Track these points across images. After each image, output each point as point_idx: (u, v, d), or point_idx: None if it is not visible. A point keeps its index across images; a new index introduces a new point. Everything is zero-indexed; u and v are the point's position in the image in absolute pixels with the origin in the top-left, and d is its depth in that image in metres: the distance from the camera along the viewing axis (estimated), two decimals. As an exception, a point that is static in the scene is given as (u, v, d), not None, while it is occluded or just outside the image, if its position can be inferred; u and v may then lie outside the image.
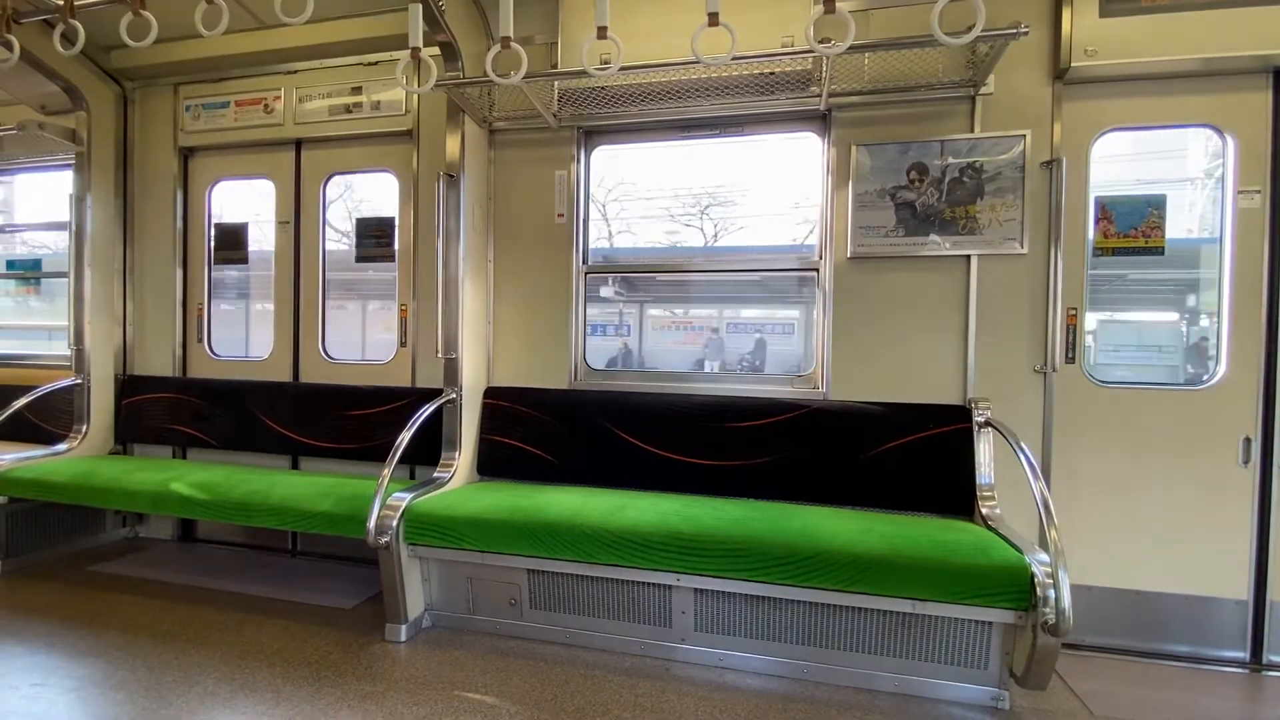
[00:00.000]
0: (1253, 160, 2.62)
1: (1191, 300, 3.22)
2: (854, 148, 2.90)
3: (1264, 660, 2.61)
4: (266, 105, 3.72)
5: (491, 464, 3.22)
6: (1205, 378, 2.71)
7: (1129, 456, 2.71)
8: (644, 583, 2.48)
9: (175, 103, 3.89)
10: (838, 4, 2.09)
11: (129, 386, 3.92)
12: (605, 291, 3.61)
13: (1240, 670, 2.59)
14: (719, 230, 3.42)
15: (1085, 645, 2.72)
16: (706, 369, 3.46)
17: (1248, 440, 2.62)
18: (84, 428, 3.75)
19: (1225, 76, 2.61)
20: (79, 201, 3.72)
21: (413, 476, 3.38)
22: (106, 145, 3.83)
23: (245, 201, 4.00)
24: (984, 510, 2.59)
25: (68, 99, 3.70)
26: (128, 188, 3.96)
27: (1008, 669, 2.19)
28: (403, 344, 3.56)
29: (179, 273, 3.93)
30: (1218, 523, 2.64)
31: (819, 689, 2.31)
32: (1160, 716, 2.22)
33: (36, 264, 4.50)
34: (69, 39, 2.52)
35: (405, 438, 2.74)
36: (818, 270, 2.99)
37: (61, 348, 4.04)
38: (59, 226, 4.43)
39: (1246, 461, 2.62)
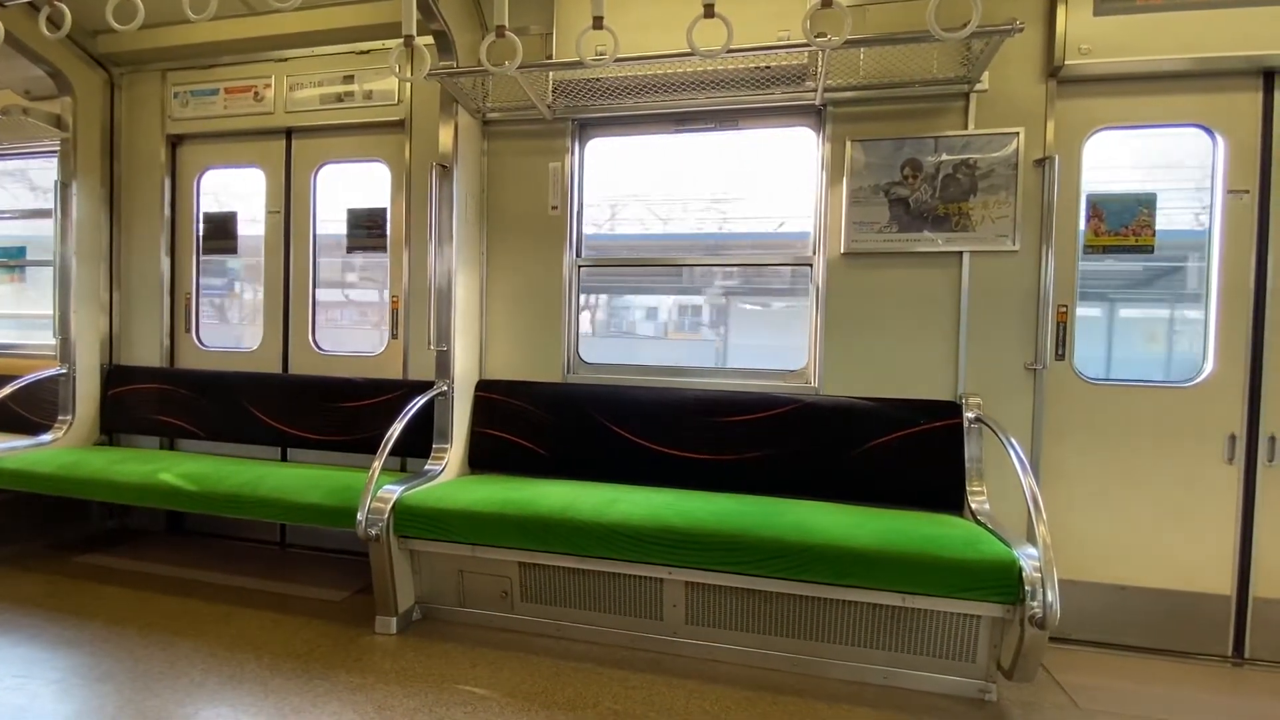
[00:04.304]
0: (1242, 161, 2.64)
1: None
2: (849, 143, 2.90)
3: (1246, 655, 2.65)
4: (256, 93, 3.68)
5: (483, 457, 3.21)
6: (1193, 375, 2.74)
7: (1117, 453, 2.74)
8: (635, 576, 2.48)
9: (163, 89, 3.83)
10: (834, -2, 2.09)
11: (115, 376, 3.87)
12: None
13: (1223, 664, 2.63)
14: (720, 223, 3.40)
15: (1071, 639, 2.75)
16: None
17: (1233, 437, 2.65)
18: (69, 418, 3.71)
19: (1217, 77, 2.63)
20: (64, 188, 3.67)
21: (404, 469, 3.36)
22: (92, 132, 3.77)
23: (235, 190, 3.95)
24: (973, 505, 2.61)
25: (53, 84, 3.63)
26: (114, 175, 3.90)
27: (995, 662, 2.21)
28: (394, 335, 3.54)
29: (166, 261, 3.89)
30: (1202, 519, 2.67)
31: (809, 681, 2.32)
32: (1144, 710, 2.25)
33: (21, 251, 4.43)
34: (55, 22, 2.47)
35: (396, 430, 2.73)
36: (811, 265, 3.00)
37: (45, 336, 3.99)
38: (43, 214, 4.36)
39: (1231, 458, 2.66)
